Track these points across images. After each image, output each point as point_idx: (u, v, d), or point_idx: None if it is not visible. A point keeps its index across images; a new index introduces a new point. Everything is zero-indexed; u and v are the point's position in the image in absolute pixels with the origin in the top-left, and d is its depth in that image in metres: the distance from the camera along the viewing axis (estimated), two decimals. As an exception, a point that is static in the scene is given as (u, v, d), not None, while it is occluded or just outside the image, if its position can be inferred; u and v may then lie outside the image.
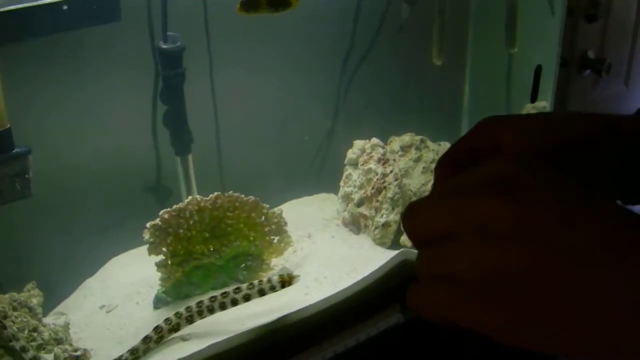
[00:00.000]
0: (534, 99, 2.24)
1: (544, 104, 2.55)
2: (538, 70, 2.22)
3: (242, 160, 2.33)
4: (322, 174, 2.56)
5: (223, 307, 1.77)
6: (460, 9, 2.61)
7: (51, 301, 2.00)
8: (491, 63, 2.67)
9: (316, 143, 2.55)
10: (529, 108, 2.67)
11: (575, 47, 2.26)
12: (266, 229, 2.03)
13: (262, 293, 1.78)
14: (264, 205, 2.02)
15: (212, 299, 1.77)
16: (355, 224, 2.28)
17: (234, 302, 1.76)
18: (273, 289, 1.78)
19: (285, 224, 2.06)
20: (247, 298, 1.77)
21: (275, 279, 1.78)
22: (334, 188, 2.39)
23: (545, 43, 2.27)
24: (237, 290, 1.78)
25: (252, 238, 2.01)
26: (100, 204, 2.16)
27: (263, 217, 2.02)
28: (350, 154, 2.34)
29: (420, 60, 2.59)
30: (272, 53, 2.32)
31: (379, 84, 2.55)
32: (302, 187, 2.46)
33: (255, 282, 1.80)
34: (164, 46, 1.96)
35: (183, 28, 2.01)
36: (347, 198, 2.32)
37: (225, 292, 1.78)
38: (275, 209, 2.05)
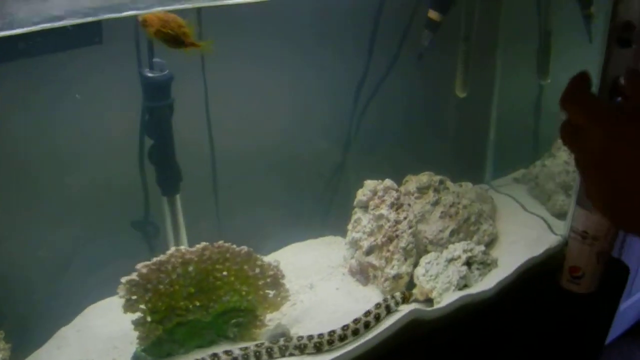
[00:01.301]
0: None
1: None
2: None
3: (240, 197, 2.11)
4: (329, 214, 2.32)
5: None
6: (488, 35, 2.34)
7: (26, 349, 1.80)
8: (521, 95, 2.43)
9: (324, 179, 2.31)
10: (559, 144, 2.41)
11: (607, 73, 1.99)
12: (260, 282, 1.80)
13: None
14: (258, 256, 1.78)
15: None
16: (364, 274, 2.03)
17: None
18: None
19: (283, 276, 1.82)
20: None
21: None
22: (341, 230, 2.15)
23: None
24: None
25: (244, 292, 1.78)
26: (80, 241, 1.95)
27: (257, 270, 1.79)
28: (361, 195, 2.09)
29: (442, 92, 2.35)
30: (278, 76, 2.09)
31: (395, 116, 2.32)
32: (306, 228, 2.22)
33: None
34: (149, 74, 1.71)
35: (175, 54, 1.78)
36: (355, 244, 2.07)
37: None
38: (272, 260, 1.81)
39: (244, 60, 1.97)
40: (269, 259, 1.90)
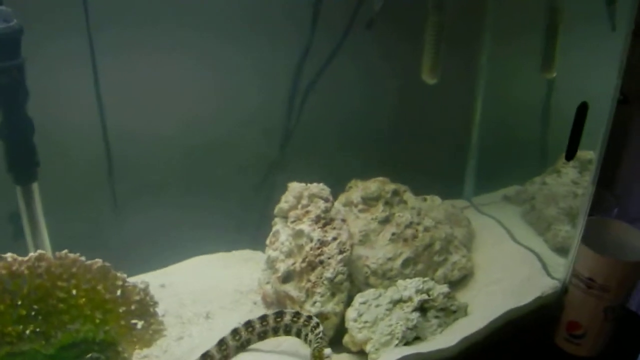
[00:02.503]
0: (571, 152, 1.45)
1: (589, 156, 1.76)
2: (582, 109, 1.43)
3: (138, 194, 1.69)
4: (250, 222, 1.81)
5: None
6: (471, 7, 1.80)
7: None
8: (518, 90, 1.90)
9: (248, 177, 1.83)
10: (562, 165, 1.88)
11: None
12: (121, 310, 1.37)
13: None
14: (119, 274, 1.36)
15: None
16: (280, 306, 1.57)
17: None
18: None
19: (154, 303, 1.40)
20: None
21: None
22: (262, 242, 1.66)
23: (597, 69, 1.48)
24: None
25: (98, 321, 1.36)
26: None
27: (117, 292, 1.37)
28: (283, 202, 1.62)
29: (406, 76, 1.81)
30: (195, 41, 1.65)
31: (345, 106, 1.82)
32: (219, 237, 1.77)
33: None
34: None
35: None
36: (271, 265, 1.59)
37: None
38: (139, 282, 1.38)
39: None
40: (158, 273, 1.50)
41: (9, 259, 1.34)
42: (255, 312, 1.60)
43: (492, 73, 1.94)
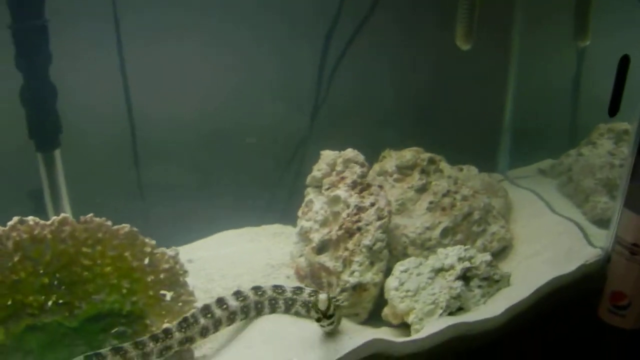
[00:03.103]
0: (614, 107, 1.39)
1: (624, 126, 1.70)
2: (624, 62, 1.37)
3: (166, 170, 1.63)
4: (279, 196, 1.75)
5: None
6: None
7: None
8: (550, 59, 1.84)
9: (277, 149, 1.76)
10: (603, 130, 1.81)
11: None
12: (150, 278, 1.29)
13: None
14: (148, 240, 1.27)
15: None
16: (315, 279, 1.49)
17: None
18: None
19: (184, 272, 1.31)
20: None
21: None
22: (294, 218, 1.58)
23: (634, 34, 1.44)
24: None
25: (125, 291, 1.27)
26: None
27: (145, 259, 1.28)
28: (315, 170, 1.55)
29: (438, 42, 1.73)
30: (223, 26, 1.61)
31: (376, 73, 1.76)
32: (247, 212, 1.70)
33: None
34: None
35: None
36: (304, 237, 1.52)
37: None
38: (171, 250, 1.30)
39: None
40: (185, 248, 1.41)
41: (31, 223, 1.26)
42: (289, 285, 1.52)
43: (525, 35, 1.88)
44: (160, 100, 1.63)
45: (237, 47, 1.66)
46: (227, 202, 1.67)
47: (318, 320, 1.22)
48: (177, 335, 1.23)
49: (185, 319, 1.30)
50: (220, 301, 1.35)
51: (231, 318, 1.33)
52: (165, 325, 1.25)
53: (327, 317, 1.22)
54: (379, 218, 1.44)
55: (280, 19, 1.67)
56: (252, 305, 1.32)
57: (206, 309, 1.33)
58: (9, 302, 1.26)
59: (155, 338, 1.20)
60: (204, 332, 1.30)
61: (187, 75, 1.65)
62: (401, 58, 1.83)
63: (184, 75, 1.65)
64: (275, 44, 1.70)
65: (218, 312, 1.28)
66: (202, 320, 1.27)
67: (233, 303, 1.31)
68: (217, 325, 1.31)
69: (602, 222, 1.73)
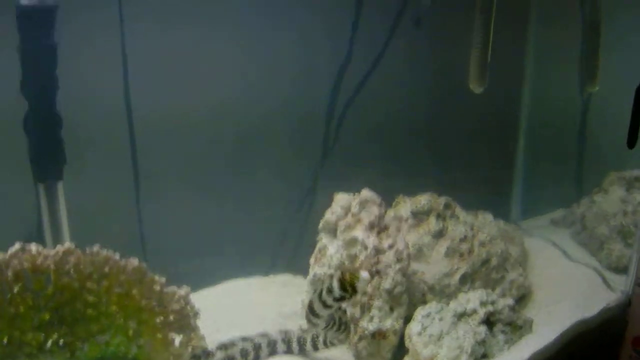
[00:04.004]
0: (632, 139, 1.39)
1: (636, 173, 1.75)
2: None
3: (167, 208, 1.56)
4: (289, 245, 1.69)
5: None
6: (516, 7, 1.80)
7: None
8: (560, 106, 1.88)
9: (284, 195, 1.71)
10: (614, 177, 1.83)
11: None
12: (159, 320, 1.20)
13: None
14: (157, 277, 1.20)
15: None
16: None
17: None
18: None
19: (195, 314, 1.23)
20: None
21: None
22: (304, 268, 1.51)
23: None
24: None
25: (132, 332, 1.18)
26: None
27: (154, 299, 1.20)
28: (329, 214, 1.49)
29: (450, 82, 1.75)
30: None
31: (386, 116, 1.76)
32: (254, 261, 1.63)
33: None
34: (24, 2, 1.24)
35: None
36: (318, 284, 1.44)
37: None
38: (181, 290, 1.22)
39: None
40: (192, 296, 1.33)
41: (34, 251, 1.18)
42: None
43: (537, 76, 1.90)
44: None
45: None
46: (235, 249, 1.60)
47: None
48: None
49: None
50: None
51: None
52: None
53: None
54: (398, 260, 1.38)
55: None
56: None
57: None
58: (5, 340, 1.18)
59: None
60: None
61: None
62: (413, 102, 1.82)
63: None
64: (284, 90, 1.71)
65: None
66: None
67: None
68: None
69: (618, 269, 1.71)
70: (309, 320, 1.23)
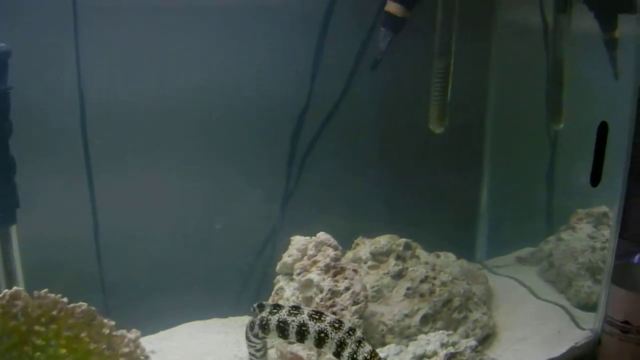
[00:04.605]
0: (596, 176, 1.41)
1: (603, 209, 1.75)
2: (602, 129, 1.41)
3: (128, 249, 1.57)
4: (249, 287, 1.69)
5: None
6: (476, 50, 1.84)
7: None
8: (523, 141, 1.91)
9: (247, 237, 1.72)
10: (581, 214, 1.84)
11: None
12: None
13: None
14: (105, 321, 1.22)
15: None
16: None
17: None
18: None
19: (146, 357, 1.25)
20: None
21: None
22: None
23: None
24: None
25: None
26: None
27: (103, 342, 1.22)
28: (286, 256, 1.51)
29: (409, 123, 1.79)
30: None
31: (348, 158, 1.79)
32: (214, 302, 1.62)
33: None
34: None
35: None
36: None
37: None
38: (130, 334, 1.24)
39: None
40: (148, 339, 1.36)
41: (-22, 292, 1.22)
42: (259, 380, 1.46)
43: (499, 118, 1.94)
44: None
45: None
46: (195, 291, 1.59)
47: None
48: None
49: None
50: None
51: None
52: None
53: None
54: (355, 303, 1.40)
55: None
56: None
57: None
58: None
59: None
60: None
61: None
62: (372, 145, 1.84)
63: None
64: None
65: None
66: None
67: None
68: None
69: (587, 307, 1.71)
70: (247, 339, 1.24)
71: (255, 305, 1.19)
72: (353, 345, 1.09)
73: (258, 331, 1.18)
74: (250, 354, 1.28)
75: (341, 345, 1.08)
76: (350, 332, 1.10)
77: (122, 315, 1.28)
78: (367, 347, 1.09)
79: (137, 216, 1.61)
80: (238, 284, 1.70)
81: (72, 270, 1.52)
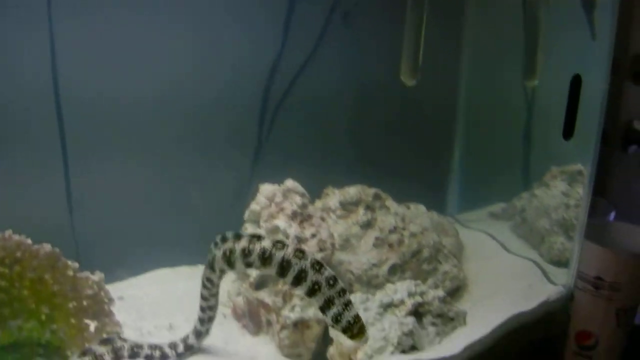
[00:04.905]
0: (568, 129, 1.42)
1: (577, 167, 1.76)
2: (576, 83, 1.41)
3: (99, 199, 1.57)
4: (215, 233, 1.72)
5: None
6: (452, 10, 1.83)
7: None
8: (499, 100, 1.89)
9: (214, 186, 1.72)
10: (556, 172, 1.85)
11: (619, 116, 1.51)
12: (71, 305, 1.25)
13: None
14: (69, 263, 1.25)
15: None
16: (253, 318, 1.46)
17: None
18: None
19: (110, 300, 1.28)
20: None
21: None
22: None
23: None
24: None
25: (44, 317, 1.23)
26: None
27: (67, 284, 1.25)
28: (254, 204, 1.53)
29: (383, 76, 1.78)
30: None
31: (319, 110, 1.78)
32: (183, 249, 1.64)
33: None
34: None
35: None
36: (242, 275, 1.51)
37: None
38: (94, 276, 1.27)
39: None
40: (117, 285, 1.39)
41: None
42: (225, 325, 1.47)
43: (473, 70, 1.94)
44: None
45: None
46: (163, 239, 1.61)
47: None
48: None
49: None
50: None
51: None
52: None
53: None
54: (321, 250, 1.42)
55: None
56: None
57: None
58: None
59: None
60: None
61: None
62: (346, 96, 1.84)
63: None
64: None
65: None
66: None
67: None
68: None
69: (560, 263, 1.72)
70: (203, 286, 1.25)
71: (217, 238, 1.19)
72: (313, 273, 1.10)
73: (223, 264, 1.17)
74: (201, 308, 1.30)
75: (302, 273, 1.09)
76: (316, 266, 1.10)
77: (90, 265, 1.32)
78: (329, 272, 1.11)
79: (107, 165, 1.61)
80: (208, 235, 1.74)
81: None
